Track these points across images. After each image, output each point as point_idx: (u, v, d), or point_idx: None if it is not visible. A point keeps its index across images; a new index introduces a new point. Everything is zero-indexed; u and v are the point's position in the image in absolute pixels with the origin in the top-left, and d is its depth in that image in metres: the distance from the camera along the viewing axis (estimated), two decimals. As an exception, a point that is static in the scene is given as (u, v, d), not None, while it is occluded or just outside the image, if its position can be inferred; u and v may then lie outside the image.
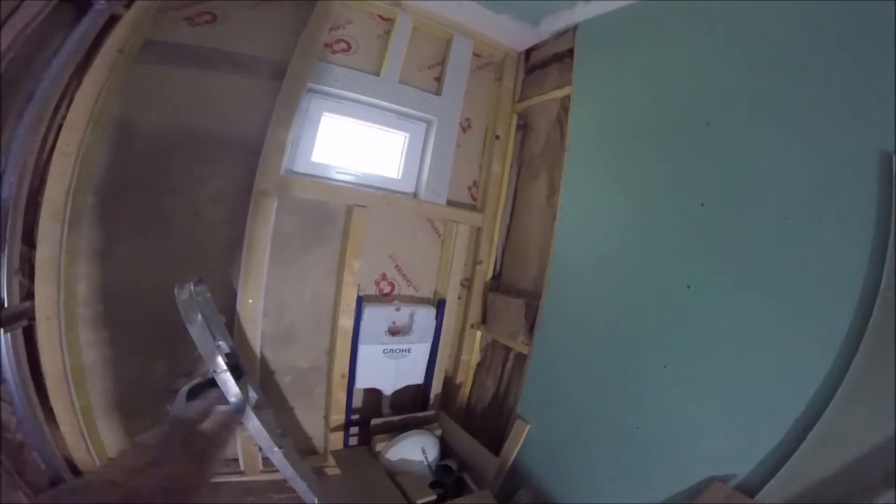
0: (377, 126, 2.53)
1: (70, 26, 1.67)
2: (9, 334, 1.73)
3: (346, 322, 2.42)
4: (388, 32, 2.48)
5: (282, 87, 2.11)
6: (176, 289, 1.69)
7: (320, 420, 2.53)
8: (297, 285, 2.36)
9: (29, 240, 1.73)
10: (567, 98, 2.42)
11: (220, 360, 1.80)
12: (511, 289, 2.74)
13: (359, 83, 2.39)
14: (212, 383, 1.80)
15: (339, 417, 2.49)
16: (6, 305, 1.73)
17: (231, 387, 1.80)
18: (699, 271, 1.66)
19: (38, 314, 1.78)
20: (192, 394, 1.83)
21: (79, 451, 1.96)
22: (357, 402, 2.63)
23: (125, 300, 1.97)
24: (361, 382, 2.51)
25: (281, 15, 2.20)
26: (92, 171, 1.84)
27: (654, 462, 1.69)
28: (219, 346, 1.85)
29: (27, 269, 1.75)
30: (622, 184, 2.04)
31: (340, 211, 2.41)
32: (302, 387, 2.45)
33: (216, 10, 2.08)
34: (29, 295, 1.78)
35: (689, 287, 1.67)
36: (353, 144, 2.50)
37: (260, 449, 1.84)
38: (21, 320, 1.76)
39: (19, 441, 1.83)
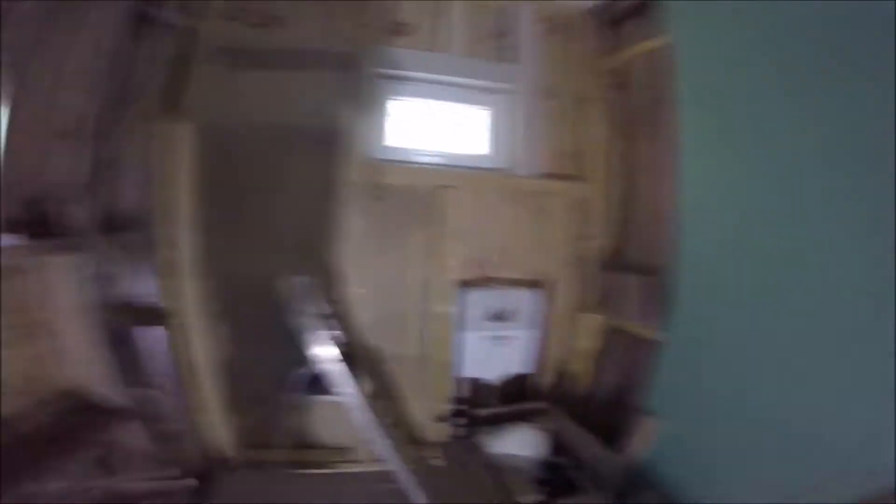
0: (456, 103, 2.45)
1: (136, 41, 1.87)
2: (162, 331, 2.00)
3: (447, 309, 2.38)
4: (446, 9, 2.38)
5: (349, 76, 2.15)
6: (280, 282, 1.80)
7: (427, 410, 2.50)
8: (398, 273, 2.38)
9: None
10: (661, 48, 2.11)
11: (328, 351, 1.88)
12: (631, 265, 2.42)
13: (427, 63, 2.33)
14: (322, 374, 1.90)
15: (445, 407, 2.45)
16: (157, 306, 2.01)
17: (339, 377, 1.87)
18: (856, 238, 1.36)
19: (177, 312, 2.05)
20: (305, 384, 1.97)
21: (218, 439, 2.20)
22: (464, 391, 2.56)
23: (245, 295, 2.16)
24: (466, 371, 2.44)
25: (337, 7, 2.23)
26: (195, 174, 2.06)
27: (810, 460, 1.47)
28: (326, 336, 1.94)
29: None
30: (752, 136, 1.71)
31: (431, 194, 2.36)
32: (408, 376, 2.45)
33: (276, 11, 2.17)
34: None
35: (845, 258, 1.38)
36: (435, 125, 2.44)
37: (367, 439, 1.88)
38: (166, 318, 2.03)
39: (176, 430, 2.07)
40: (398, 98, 2.35)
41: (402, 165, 2.32)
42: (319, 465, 2.20)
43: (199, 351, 2.12)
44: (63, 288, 1.73)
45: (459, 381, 2.48)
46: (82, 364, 1.74)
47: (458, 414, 2.49)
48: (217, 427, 2.17)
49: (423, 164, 2.37)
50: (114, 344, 1.82)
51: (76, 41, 1.59)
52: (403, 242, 2.37)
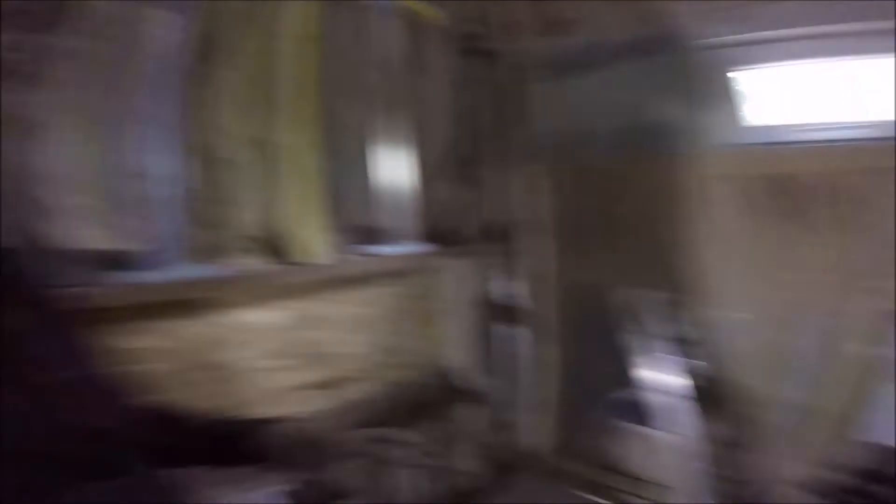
0: (847, 58, 1.73)
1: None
2: (515, 329, 2.33)
3: (868, 349, 1.74)
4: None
5: (673, 60, 1.88)
6: (619, 295, 1.73)
7: (796, 473, 1.88)
8: (790, 294, 1.87)
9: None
10: None
11: (665, 379, 1.72)
12: None
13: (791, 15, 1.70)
14: (649, 402, 1.73)
15: (828, 475, 1.79)
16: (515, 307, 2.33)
17: (672, 410, 1.68)
18: None
19: (532, 314, 2.32)
20: (626, 407, 1.82)
21: (532, 439, 2.35)
22: (864, 460, 1.78)
23: (587, 305, 2.22)
24: (879, 435, 1.72)
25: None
26: (547, 190, 2.28)
27: None
28: (667, 361, 1.76)
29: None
30: None
31: (842, 182, 1.75)
32: (789, 428, 1.89)
33: (568, 14, 2.08)
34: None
35: None
36: (824, 91, 1.81)
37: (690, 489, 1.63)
38: (521, 319, 2.31)
39: (503, 422, 2.33)
40: (760, 67, 1.87)
41: (785, 148, 1.83)
42: (614, 496, 2.04)
43: (542, 354, 2.34)
44: (453, 285, 2.20)
45: (862, 446, 1.77)
46: (455, 348, 2.18)
47: (846, 488, 1.79)
48: (535, 428, 2.33)
49: (814, 142, 1.79)
50: (479, 335, 2.21)
51: (431, 86, 2.01)
52: (799, 253, 1.84)
